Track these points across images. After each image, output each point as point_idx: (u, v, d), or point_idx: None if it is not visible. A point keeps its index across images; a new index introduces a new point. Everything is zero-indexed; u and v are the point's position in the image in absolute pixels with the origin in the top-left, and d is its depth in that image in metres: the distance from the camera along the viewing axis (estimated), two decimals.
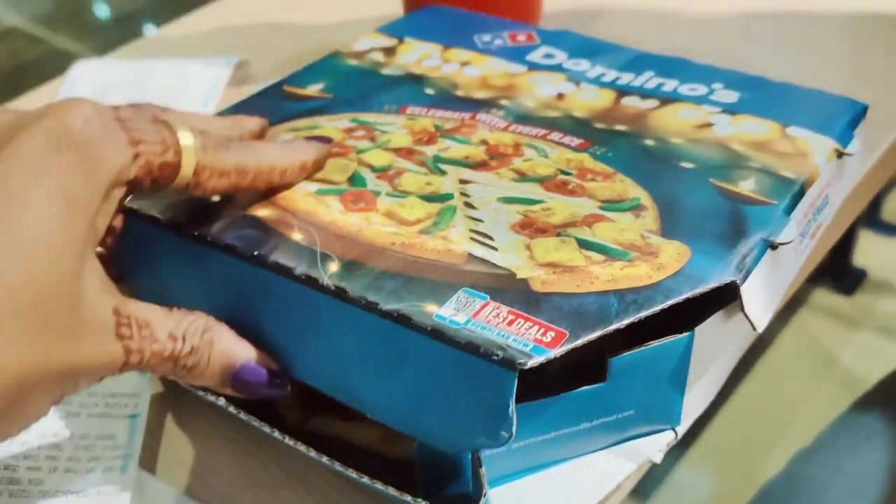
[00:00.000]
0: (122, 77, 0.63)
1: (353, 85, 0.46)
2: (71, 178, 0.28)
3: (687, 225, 0.34)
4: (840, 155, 0.40)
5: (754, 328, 0.33)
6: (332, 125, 0.42)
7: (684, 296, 0.31)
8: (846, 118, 0.41)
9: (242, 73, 0.64)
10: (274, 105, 0.44)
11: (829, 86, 0.45)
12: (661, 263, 0.32)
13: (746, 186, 0.37)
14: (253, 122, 0.39)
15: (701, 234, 0.34)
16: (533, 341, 0.29)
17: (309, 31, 0.71)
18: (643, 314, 0.30)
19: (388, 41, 0.50)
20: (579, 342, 0.29)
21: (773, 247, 0.34)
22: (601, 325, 0.29)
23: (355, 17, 0.71)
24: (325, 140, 0.40)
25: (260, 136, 0.39)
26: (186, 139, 0.32)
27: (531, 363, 0.28)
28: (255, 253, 0.33)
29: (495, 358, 0.28)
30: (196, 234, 0.34)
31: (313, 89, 0.46)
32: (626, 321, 0.29)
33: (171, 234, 0.35)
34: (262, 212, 0.36)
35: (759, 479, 0.54)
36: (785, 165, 0.38)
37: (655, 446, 0.34)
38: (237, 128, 0.38)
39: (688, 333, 0.31)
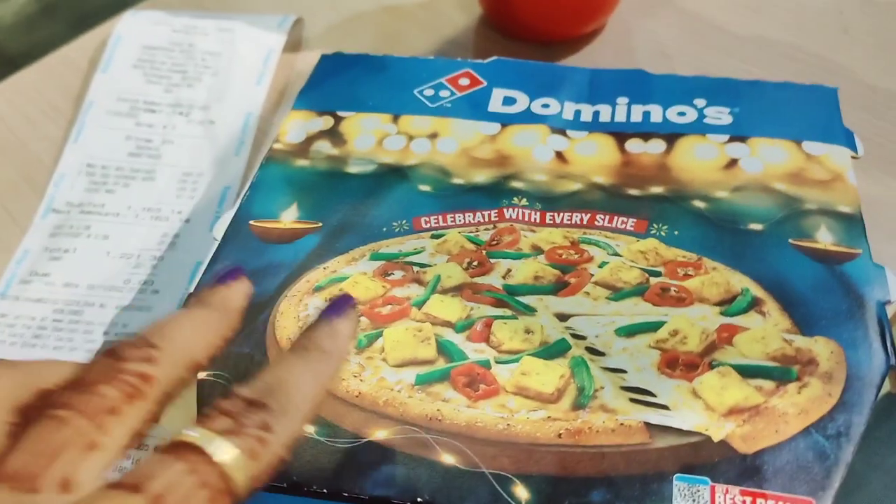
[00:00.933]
0: (168, 38, 0.56)
1: (329, 199, 0.39)
2: None
3: (814, 313, 0.33)
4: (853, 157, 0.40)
5: None
6: (357, 270, 0.36)
7: (868, 407, 0.30)
8: (836, 112, 0.42)
9: (294, 36, 0.55)
10: (255, 254, 0.37)
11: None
12: (828, 374, 0.31)
13: (825, 239, 0.36)
14: (239, 297, 0.30)
15: (833, 319, 0.33)
16: None
17: None
18: (854, 444, 0.29)
19: (321, 121, 0.43)
20: (830, 501, 0.28)
21: (889, 302, 0.34)
22: (827, 473, 0.28)
23: None
24: (346, 303, 0.30)
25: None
26: (223, 453, 0.23)
27: None
28: (419, 499, 0.28)
29: None
30: (344, 493, 0.28)
31: (289, 219, 0.39)
32: (848, 457, 0.29)
33: (300, 500, 0.29)
34: (379, 433, 0.30)
35: None
36: (835, 198, 0.38)
37: None
38: (225, 315, 0.28)
39: None
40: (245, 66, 0.53)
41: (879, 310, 0.33)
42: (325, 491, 0.29)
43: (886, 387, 0.33)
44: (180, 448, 0.23)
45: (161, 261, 0.45)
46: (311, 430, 0.30)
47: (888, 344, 0.32)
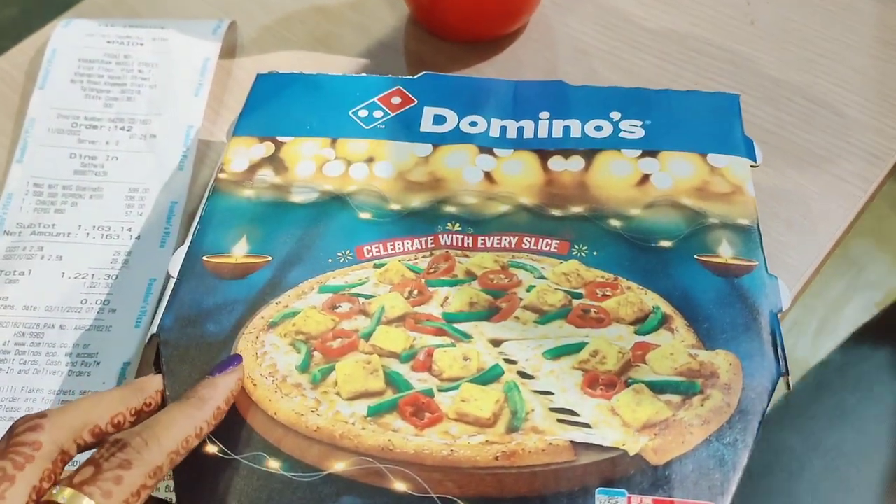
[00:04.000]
0: (104, 50, 0.57)
1: (276, 230, 0.42)
2: None
3: (715, 327, 0.38)
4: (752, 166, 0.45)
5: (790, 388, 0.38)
6: (307, 304, 0.39)
7: (761, 414, 0.35)
8: (737, 121, 0.46)
9: (228, 41, 0.56)
10: (211, 292, 0.40)
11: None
12: (727, 385, 0.36)
13: (726, 253, 0.40)
14: (155, 383, 0.36)
15: (732, 332, 0.37)
16: None
17: None
18: (749, 449, 0.34)
19: (263, 147, 0.46)
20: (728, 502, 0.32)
21: (780, 312, 0.39)
22: (726, 478, 0.33)
23: None
24: (230, 363, 0.36)
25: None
26: None
27: None
28: None
29: None
30: None
31: (240, 253, 0.41)
32: (744, 462, 0.33)
33: None
34: (338, 465, 0.34)
35: None
36: (735, 211, 0.42)
37: None
38: (138, 394, 0.35)
39: None
40: (182, 76, 0.55)
41: (772, 320, 0.38)
42: None
43: (782, 389, 0.38)
44: None
45: (116, 280, 0.47)
46: (276, 465, 0.34)
47: (780, 353, 0.37)
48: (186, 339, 0.38)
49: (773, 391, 0.36)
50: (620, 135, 0.45)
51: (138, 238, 0.49)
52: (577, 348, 0.37)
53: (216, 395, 0.34)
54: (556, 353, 0.37)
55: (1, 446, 0.31)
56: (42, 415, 0.32)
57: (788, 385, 0.37)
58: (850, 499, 0.53)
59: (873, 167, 0.51)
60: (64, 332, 0.45)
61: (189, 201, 0.50)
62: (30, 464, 0.30)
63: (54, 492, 0.29)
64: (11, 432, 0.31)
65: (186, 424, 0.33)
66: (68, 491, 0.29)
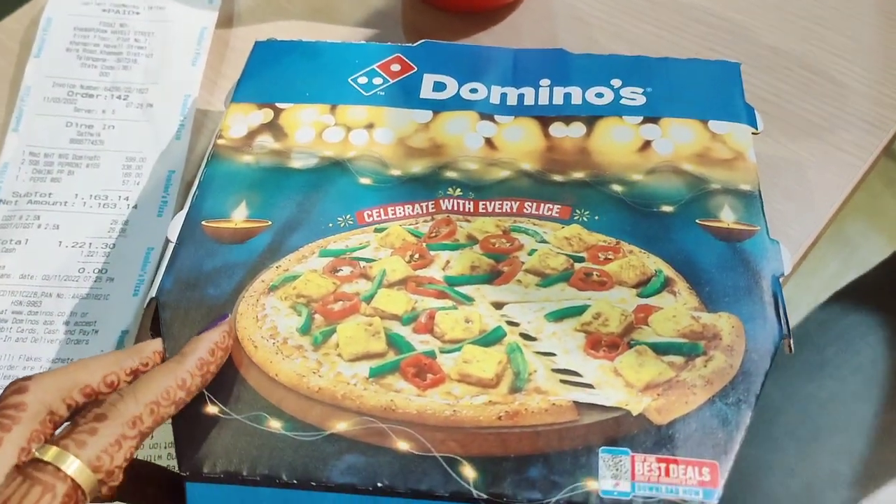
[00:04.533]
0: (99, 19, 0.56)
1: (276, 196, 0.42)
2: None
3: (718, 290, 0.38)
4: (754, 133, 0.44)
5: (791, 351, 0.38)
6: (307, 268, 0.39)
7: (763, 375, 0.35)
8: (739, 89, 0.46)
9: (225, 11, 0.56)
10: (210, 255, 0.39)
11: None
12: (730, 347, 0.36)
13: (727, 218, 0.40)
14: (154, 345, 0.35)
15: (734, 295, 0.37)
16: (698, 485, 0.32)
17: None
18: (752, 409, 0.34)
19: (261, 114, 0.45)
20: (729, 466, 0.32)
21: (782, 276, 0.39)
22: (729, 437, 0.33)
23: None
24: (218, 320, 0.36)
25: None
26: (70, 465, 0.29)
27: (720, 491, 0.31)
28: (379, 484, 0.32)
29: None
30: (311, 483, 0.32)
31: (240, 218, 0.41)
32: (747, 422, 0.33)
33: (273, 491, 0.33)
34: (340, 425, 0.34)
35: None
36: (737, 177, 0.42)
37: None
38: (134, 355, 0.34)
39: None
40: (179, 46, 0.54)
41: (774, 284, 0.38)
42: (294, 481, 0.32)
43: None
44: (32, 465, 0.29)
45: (113, 248, 0.47)
46: (277, 425, 0.34)
47: (781, 316, 0.37)
48: (186, 301, 0.38)
49: (775, 353, 0.36)
50: (621, 102, 0.45)
51: (135, 207, 0.49)
52: (579, 311, 0.37)
53: (198, 347, 0.34)
54: (559, 316, 0.37)
55: None
56: (27, 378, 0.32)
57: (790, 348, 0.37)
58: (826, 442, 0.54)
59: (872, 137, 0.51)
60: (62, 300, 0.45)
61: (186, 170, 0.50)
62: (17, 425, 0.30)
63: (34, 449, 0.30)
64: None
65: (165, 377, 0.32)
66: (48, 447, 0.29)
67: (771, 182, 0.47)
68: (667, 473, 0.32)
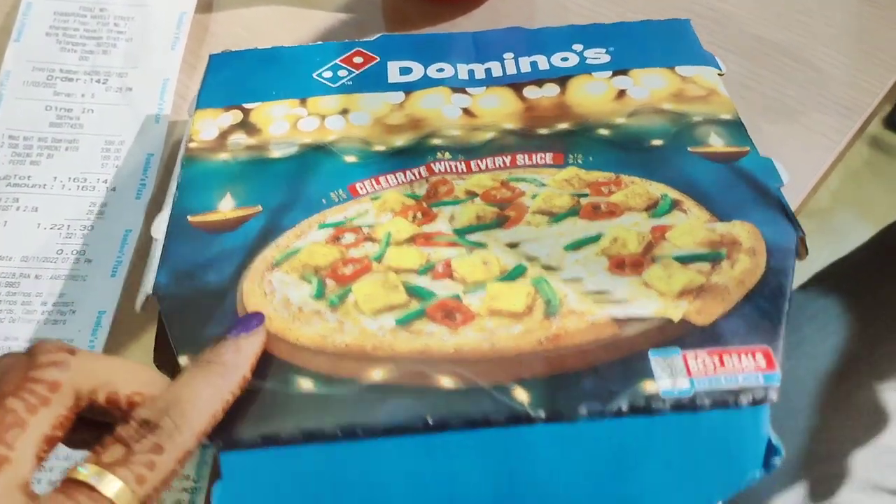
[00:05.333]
0: (79, 3, 0.56)
1: (262, 184, 0.41)
2: None
3: (724, 204, 0.38)
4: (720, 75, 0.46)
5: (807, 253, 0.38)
6: (308, 242, 0.38)
7: (790, 270, 0.35)
8: (695, 39, 0.47)
9: None
10: (204, 246, 0.38)
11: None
12: (752, 249, 0.35)
13: (717, 143, 0.41)
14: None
15: (742, 206, 0.37)
16: (756, 370, 0.31)
17: None
18: (787, 301, 0.33)
19: (230, 115, 0.44)
20: (780, 351, 0.32)
21: (782, 185, 0.39)
22: (775, 326, 0.32)
23: None
24: (254, 319, 0.33)
25: None
26: (110, 488, 0.26)
27: (776, 391, 0.30)
28: (429, 420, 0.30)
29: (749, 402, 0.30)
30: (357, 430, 0.30)
31: (227, 208, 0.39)
32: (786, 310, 0.33)
33: (317, 448, 0.30)
34: (376, 374, 0.32)
35: None
36: (715, 108, 0.43)
37: None
38: (161, 383, 0.31)
39: None
40: (159, 30, 0.55)
41: (777, 192, 0.38)
42: (339, 434, 0.30)
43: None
44: (73, 486, 0.26)
45: (91, 230, 0.47)
46: (308, 385, 0.32)
47: (792, 218, 0.37)
48: (186, 290, 0.35)
49: (796, 252, 0.36)
50: (587, 62, 0.46)
51: (114, 190, 0.48)
52: (596, 238, 0.37)
53: (241, 361, 0.31)
54: (577, 245, 0.36)
55: (16, 377, 0.28)
56: (72, 350, 0.28)
57: (805, 248, 0.37)
58: (800, 419, 0.55)
59: (846, 119, 0.52)
60: (39, 281, 0.45)
61: (165, 153, 0.50)
62: (45, 407, 0.27)
63: (80, 469, 0.26)
64: (32, 360, 0.28)
65: (213, 398, 0.29)
66: (94, 468, 0.26)
67: None
68: (721, 364, 0.31)
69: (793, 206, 0.46)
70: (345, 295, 0.35)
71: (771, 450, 0.30)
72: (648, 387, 0.31)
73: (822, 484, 0.54)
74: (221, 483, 0.30)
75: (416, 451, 0.30)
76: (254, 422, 0.30)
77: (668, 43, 0.47)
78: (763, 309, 0.33)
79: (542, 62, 0.46)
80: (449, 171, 0.40)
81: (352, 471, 0.30)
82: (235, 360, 0.31)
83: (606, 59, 0.46)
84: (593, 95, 0.44)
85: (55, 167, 0.49)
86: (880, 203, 0.70)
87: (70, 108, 0.52)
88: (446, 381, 0.31)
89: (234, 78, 0.47)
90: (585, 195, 0.39)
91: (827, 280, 0.63)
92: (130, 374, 0.30)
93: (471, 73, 0.46)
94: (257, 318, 0.33)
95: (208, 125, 0.44)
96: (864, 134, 0.54)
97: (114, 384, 0.29)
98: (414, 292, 0.35)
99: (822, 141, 0.50)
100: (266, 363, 0.32)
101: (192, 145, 0.43)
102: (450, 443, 0.30)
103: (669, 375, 0.31)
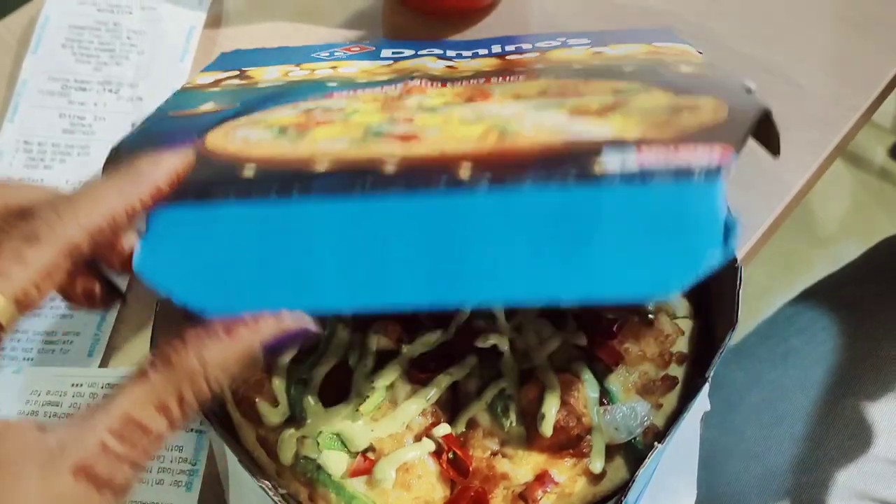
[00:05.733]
0: (94, 18, 0.60)
1: (245, 98, 0.42)
2: None
3: (693, 87, 0.38)
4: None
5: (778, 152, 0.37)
6: (280, 115, 0.38)
7: (752, 120, 0.33)
8: (676, 36, 0.49)
9: (214, 11, 0.59)
10: (179, 123, 0.38)
11: None
12: (714, 110, 0.35)
13: (686, 70, 0.42)
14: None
15: (709, 88, 0.37)
16: (711, 155, 0.30)
17: None
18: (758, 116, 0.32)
19: (227, 74, 0.47)
20: (738, 154, 0.30)
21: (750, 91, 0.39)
22: (741, 126, 0.31)
23: None
24: (183, 140, 0.33)
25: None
26: None
27: (730, 171, 0.29)
28: (366, 185, 0.29)
29: (702, 177, 0.28)
30: (292, 186, 0.29)
31: (207, 108, 0.41)
32: (753, 115, 0.31)
33: (249, 207, 0.29)
34: (322, 165, 0.31)
35: None
36: (685, 60, 0.44)
37: None
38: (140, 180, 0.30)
39: None
40: (169, 43, 0.58)
41: (748, 90, 0.38)
42: (274, 189, 0.29)
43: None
44: None
45: None
46: (251, 173, 0.31)
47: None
48: (149, 145, 0.36)
49: (757, 115, 0.35)
50: (569, 42, 0.48)
51: None
52: (561, 104, 0.37)
53: (157, 173, 0.30)
54: (542, 108, 0.36)
55: None
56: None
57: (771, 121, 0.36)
58: (788, 428, 0.52)
59: (826, 134, 0.53)
60: None
61: None
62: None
63: None
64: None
65: (114, 199, 0.28)
66: None
67: (730, 177, 0.48)
68: (676, 151, 0.30)
69: (770, 219, 0.46)
70: (306, 134, 0.35)
71: (728, 229, 0.28)
72: (595, 168, 0.29)
73: (809, 492, 0.51)
74: (145, 239, 0.29)
75: (350, 214, 0.29)
76: (192, 182, 0.30)
77: (648, 36, 0.49)
78: (727, 129, 0.32)
79: (526, 46, 0.49)
80: (425, 87, 0.42)
81: (284, 233, 0.29)
82: (151, 170, 0.30)
83: (587, 41, 0.48)
84: (573, 54, 0.46)
85: (67, 171, 0.52)
86: (887, 233, 0.69)
87: (83, 115, 0.55)
88: (389, 167, 0.30)
89: (238, 60, 0.50)
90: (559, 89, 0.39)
91: (816, 295, 0.61)
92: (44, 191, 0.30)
93: (459, 55, 0.49)
94: (187, 138, 0.32)
95: (206, 77, 0.46)
96: (871, 165, 0.54)
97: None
98: (372, 130, 0.35)
99: (801, 155, 0.51)
100: (215, 161, 0.32)
101: (186, 85, 0.45)
102: (386, 209, 0.29)
103: (620, 160, 0.30)
